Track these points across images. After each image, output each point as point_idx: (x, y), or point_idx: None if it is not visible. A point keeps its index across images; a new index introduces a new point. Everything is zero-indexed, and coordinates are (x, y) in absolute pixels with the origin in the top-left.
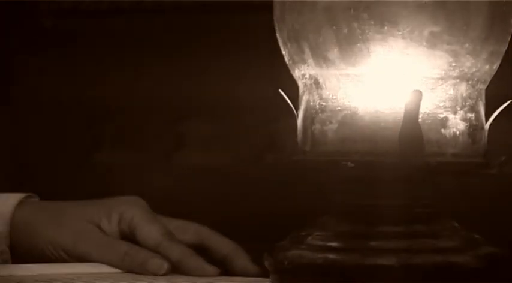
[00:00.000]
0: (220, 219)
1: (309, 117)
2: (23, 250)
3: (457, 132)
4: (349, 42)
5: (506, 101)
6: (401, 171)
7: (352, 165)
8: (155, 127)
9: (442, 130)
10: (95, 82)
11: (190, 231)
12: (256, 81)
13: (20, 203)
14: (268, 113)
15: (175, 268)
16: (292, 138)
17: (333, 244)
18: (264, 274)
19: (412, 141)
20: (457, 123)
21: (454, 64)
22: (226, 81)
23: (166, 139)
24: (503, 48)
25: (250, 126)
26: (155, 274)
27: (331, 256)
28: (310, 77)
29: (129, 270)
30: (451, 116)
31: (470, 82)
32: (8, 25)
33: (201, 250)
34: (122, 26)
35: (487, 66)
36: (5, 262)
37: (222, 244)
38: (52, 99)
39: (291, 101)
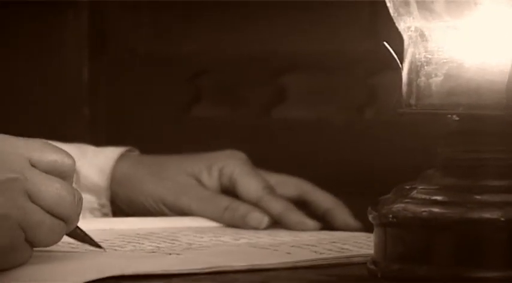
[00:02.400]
0: (320, 173)
1: (414, 70)
2: (124, 204)
3: None
4: None
5: None
6: (507, 125)
7: (457, 118)
8: (255, 81)
9: None
10: (194, 36)
11: (291, 185)
12: (357, 35)
13: (120, 157)
14: (369, 67)
15: (276, 223)
16: (395, 91)
17: (438, 197)
18: (365, 228)
19: None
20: None
21: None
22: (328, 35)
23: (266, 93)
24: None
25: (352, 79)
26: (256, 228)
27: (436, 209)
28: (416, 29)
29: (229, 224)
30: None
31: None
32: None
33: (302, 204)
34: None
35: None
36: (105, 215)
37: (322, 199)
38: (149, 54)
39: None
